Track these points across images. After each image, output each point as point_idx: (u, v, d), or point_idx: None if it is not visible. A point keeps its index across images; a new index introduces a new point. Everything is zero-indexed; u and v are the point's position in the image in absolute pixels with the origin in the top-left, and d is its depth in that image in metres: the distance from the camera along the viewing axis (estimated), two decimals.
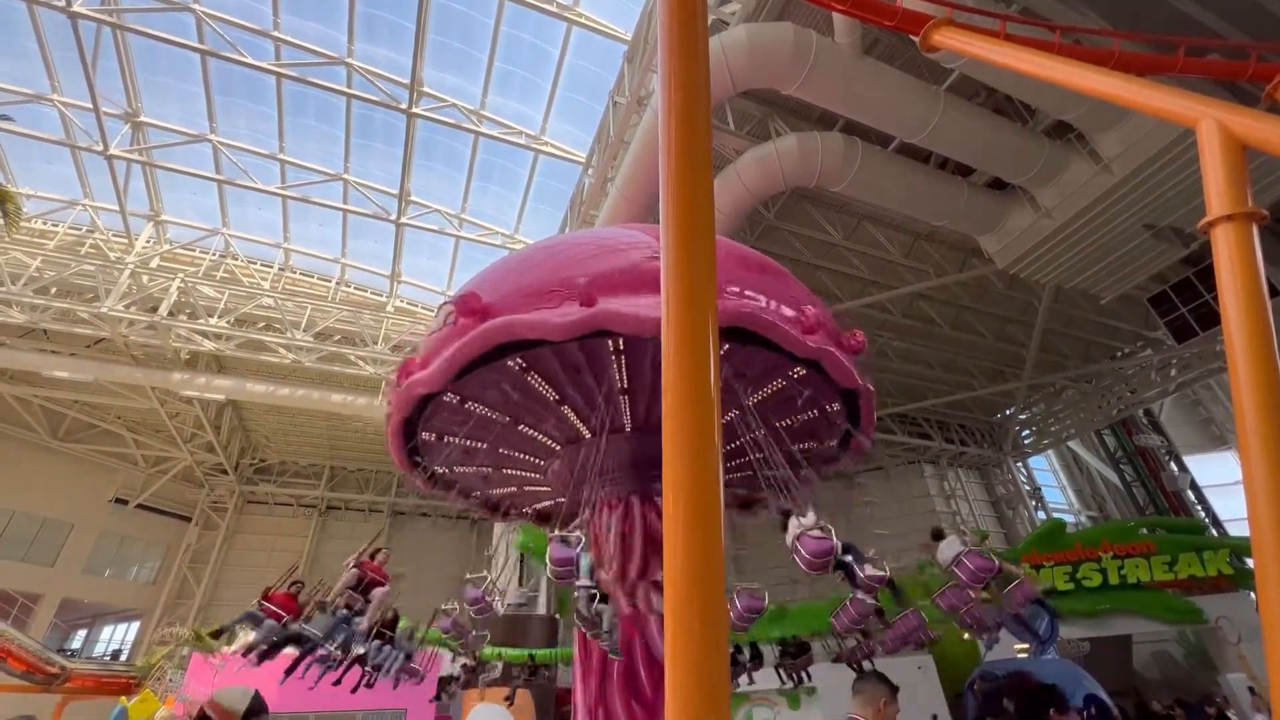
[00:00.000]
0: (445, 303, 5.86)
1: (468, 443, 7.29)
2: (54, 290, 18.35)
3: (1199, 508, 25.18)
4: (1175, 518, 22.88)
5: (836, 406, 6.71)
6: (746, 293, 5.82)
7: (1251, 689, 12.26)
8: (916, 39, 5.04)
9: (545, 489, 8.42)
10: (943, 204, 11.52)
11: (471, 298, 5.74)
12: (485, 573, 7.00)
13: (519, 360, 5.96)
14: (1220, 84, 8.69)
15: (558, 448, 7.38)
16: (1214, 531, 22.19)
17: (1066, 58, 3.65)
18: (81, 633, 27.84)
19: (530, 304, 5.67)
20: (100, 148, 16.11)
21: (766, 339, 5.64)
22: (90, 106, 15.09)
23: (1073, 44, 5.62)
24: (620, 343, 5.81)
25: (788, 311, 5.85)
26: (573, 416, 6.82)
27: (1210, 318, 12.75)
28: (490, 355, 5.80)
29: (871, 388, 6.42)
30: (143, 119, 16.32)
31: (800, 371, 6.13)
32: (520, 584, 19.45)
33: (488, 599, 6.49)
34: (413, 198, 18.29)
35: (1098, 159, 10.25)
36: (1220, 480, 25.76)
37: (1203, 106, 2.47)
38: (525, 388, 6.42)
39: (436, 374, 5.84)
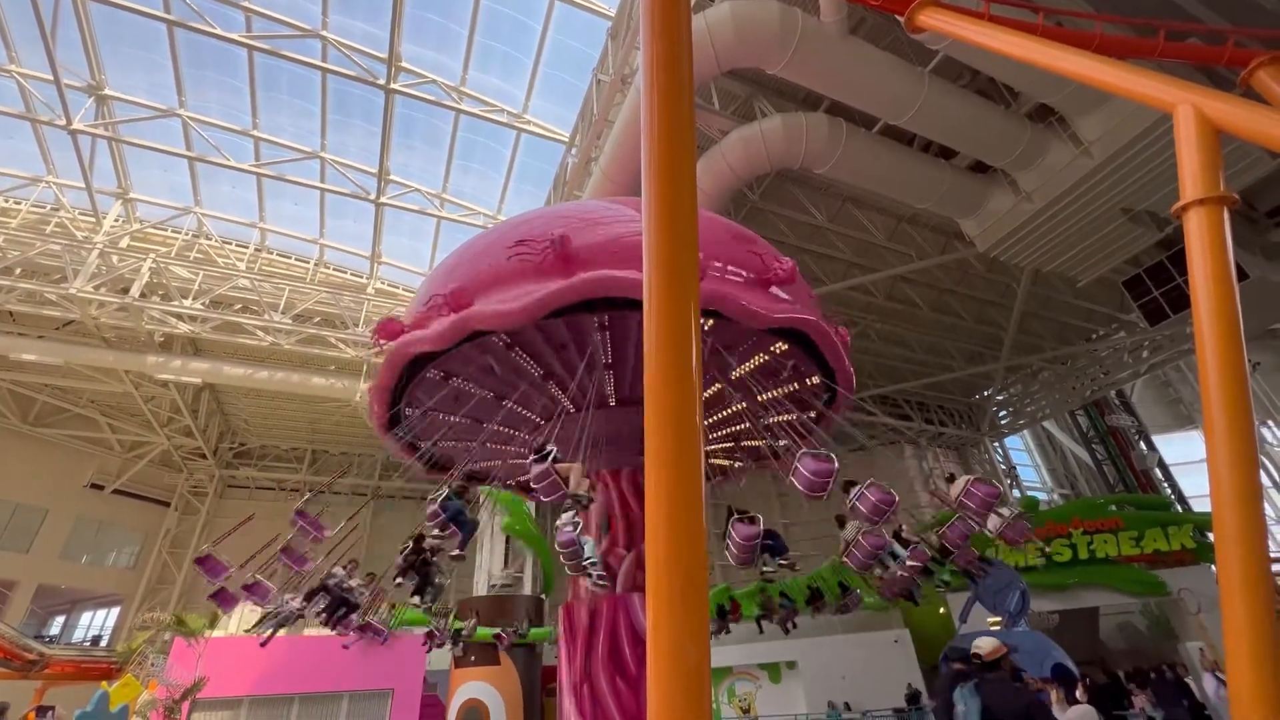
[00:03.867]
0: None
1: (452, 418, 7.34)
2: (18, 271, 17.73)
3: (1166, 485, 26.04)
4: (1143, 495, 23.66)
5: (816, 379, 6.83)
6: (713, 266, 5.86)
7: (1201, 650, 12.88)
8: (902, 19, 5.02)
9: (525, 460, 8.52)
10: (925, 186, 11.59)
11: (389, 321, 6.22)
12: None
13: (502, 337, 6.00)
14: (1198, 69, 8.79)
15: (541, 421, 7.45)
16: (1179, 508, 22.99)
17: (1049, 40, 3.66)
18: (60, 619, 27.49)
19: (421, 319, 5.98)
20: (63, 122, 15.48)
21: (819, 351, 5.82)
22: (51, 78, 14.46)
23: (1055, 26, 5.63)
24: (606, 319, 5.86)
25: (754, 276, 5.88)
26: (556, 391, 6.90)
27: (1182, 301, 13.04)
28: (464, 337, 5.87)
29: (843, 332, 6.56)
30: (107, 92, 15.69)
31: (782, 347, 6.25)
32: (506, 565, 19.56)
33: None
34: (392, 177, 17.91)
35: (1078, 142, 10.35)
36: (1187, 458, 26.64)
37: (1180, 91, 2.50)
38: (509, 363, 6.48)
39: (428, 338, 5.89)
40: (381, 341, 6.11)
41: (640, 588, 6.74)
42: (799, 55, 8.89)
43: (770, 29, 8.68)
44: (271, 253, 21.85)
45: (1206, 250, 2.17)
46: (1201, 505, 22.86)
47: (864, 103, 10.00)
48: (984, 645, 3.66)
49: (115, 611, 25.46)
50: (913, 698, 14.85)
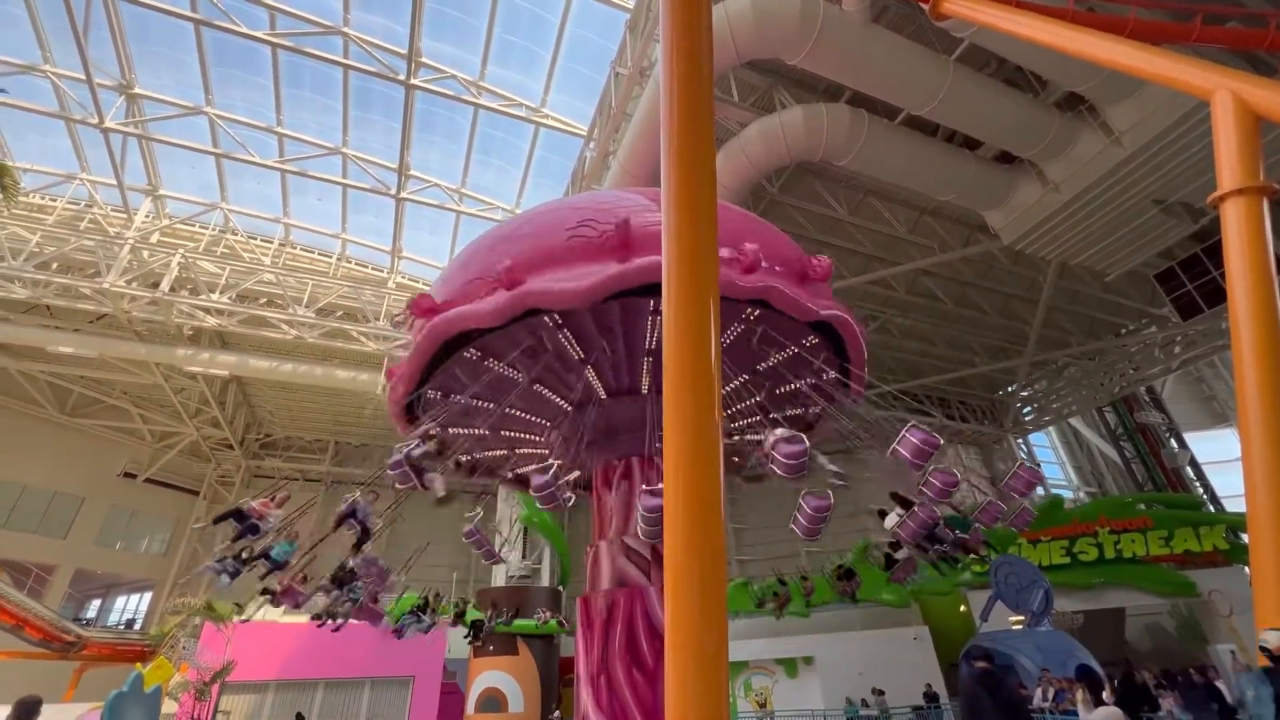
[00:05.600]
0: (593, 219, 6.07)
1: (474, 402, 7.40)
2: (55, 266, 18.30)
3: (1197, 484, 25.35)
4: (1173, 494, 23.06)
5: (813, 340, 6.76)
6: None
7: (1233, 653, 12.55)
8: (926, 7, 4.92)
9: (539, 452, 8.60)
10: (949, 178, 11.37)
11: (423, 297, 6.25)
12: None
13: (554, 317, 6.09)
14: (1238, 54, 8.48)
15: (569, 408, 7.51)
16: (1211, 508, 22.38)
17: (1080, 26, 3.56)
18: (96, 602, 28.47)
19: (464, 295, 6.07)
20: (95, 120, 15.88)
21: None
22: (84, 78, 14.83)
23: (1086, 11, 5.47)
24: (655, 304, 6.00)
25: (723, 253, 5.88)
26: (593, 377, 6.99)
27: (1217, 294, 12.66)
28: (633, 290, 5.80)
29: (842, 313, 6.42)
30: (137, 91, 16.05)
31: (753, 313, 6.16)
32: (524, 557, 19.77)
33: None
34: (412, 172, 18.07)
35: (1109, 132, 10.06)
36: (1220, 457, 25.91)
37: (1218, 77, 2.41)
38: (554, 346, 6.55)
39: (577, 292, 5.87)
40: (416, 319, 6.20)
41: (626, 580, 6.84)
42: (820, 45, 8.76)
43: (791, 18, 8.56)
44: (295, 247, 22.22)
45: (1244, 242, 2.10)
46: (1236, 505, 22.21)
47: (886, 93, 9.83)
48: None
49: (148, 596, 26.29)
50: (931, 697, 14.71)
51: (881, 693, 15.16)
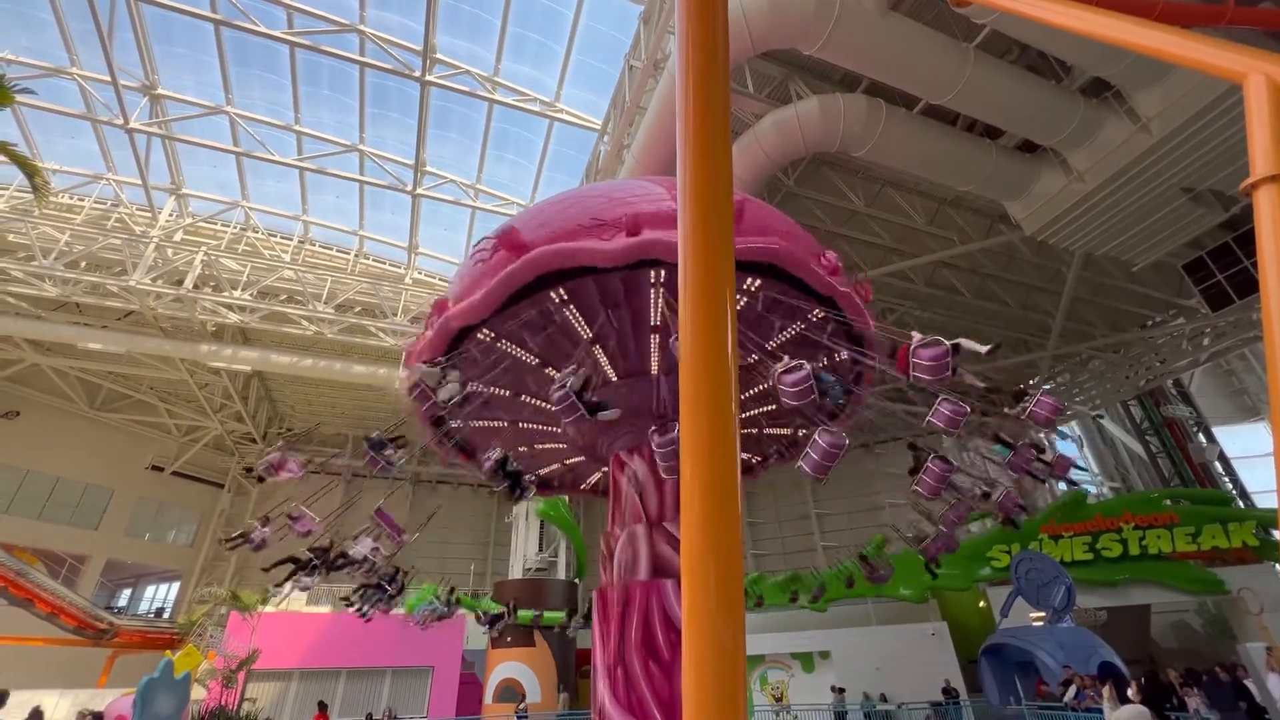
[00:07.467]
0: (485, 238, 6.24)
1: (490, 389, 7.51)
2: (83, 264, 18.76)
3: (1227, 479, 24.71)
4: (1200, 489, 22.52)
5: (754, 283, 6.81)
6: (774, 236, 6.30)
7: (1268, 649, 12.26)
8: None
9: (558, 448, 8.65)
10: (969, 168, 11.16)
11: (513, 232, 6.16)
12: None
13: (560, 292, 6.29)
14: (1272, 36, 8.20)
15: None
16: (1241, 503, 21.82)
17: (1106, 9, 3.46)
18: (126, 591, 29.30)
19: (577, 235, 6.06)
20: (121, 121, 16.21)
21: (796, 278, 6.22)
22: (109, 79, 15.14)
23: None
24: (663, 274, 6.18)
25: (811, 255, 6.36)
26: (602, 357, 7.06)
27: (1249, 285, 12.29)
28: (532, 286, 6.14)
29: (758, 245, 6.36)
30: (160, 91, 16.35)
31: (819, 314, 6.38)
32: (540, 549, 19.95)
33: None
34: (428, 168, 18.19)
35: (1136, 118, 9.79)
36: (1250, 452, 25.25)
37: (1251, 59, 2.33)
38: (561, 323, 6.72)
39: (478, 305, 6.15)
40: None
41: (636, 567, 6.87)
42: (837, 34, 8.63)
43: (807, 7, 8.44)
44: (314, 244, 22.53)
45: (1278, 230, 2.04)
46: (1267, 501, 21.64)
47: (905, 82, 9.66)
48: None
49: (176, 586, 27.01)
50: (950, 693, 14.58)
51: (841, 690, 15.10)
